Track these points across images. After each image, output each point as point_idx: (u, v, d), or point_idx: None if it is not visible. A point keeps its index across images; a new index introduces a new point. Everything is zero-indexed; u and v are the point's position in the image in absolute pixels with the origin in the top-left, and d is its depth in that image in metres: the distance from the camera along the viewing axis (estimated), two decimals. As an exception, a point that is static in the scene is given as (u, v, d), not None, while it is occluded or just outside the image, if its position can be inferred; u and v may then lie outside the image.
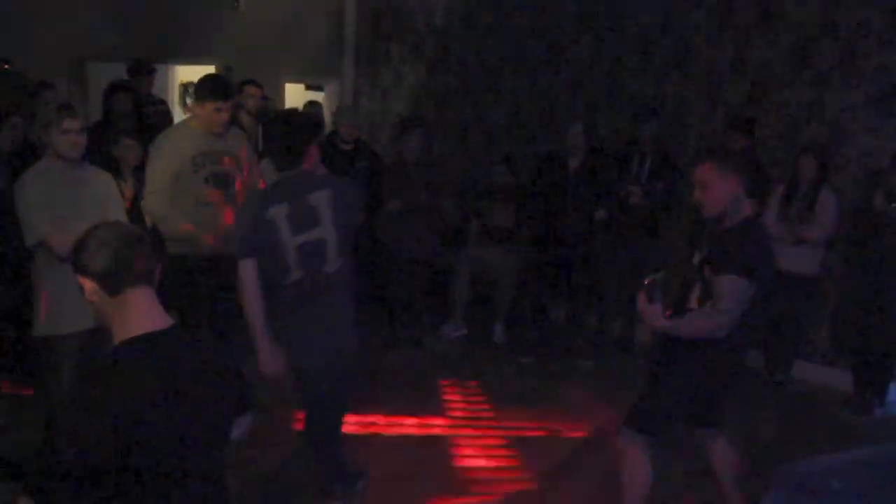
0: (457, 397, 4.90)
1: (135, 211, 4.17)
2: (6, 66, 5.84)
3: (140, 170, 4.20)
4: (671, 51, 5.78)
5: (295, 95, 7.05)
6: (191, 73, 6.66)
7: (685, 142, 5.76)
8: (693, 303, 3.06)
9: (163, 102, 5.88)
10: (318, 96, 7.10)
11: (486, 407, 4.76)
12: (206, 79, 3.92)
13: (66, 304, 3.22)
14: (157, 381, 1.70)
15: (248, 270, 2.88)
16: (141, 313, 1.77)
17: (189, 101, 6.10)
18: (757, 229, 3.07)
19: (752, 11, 5.41)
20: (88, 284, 1.76)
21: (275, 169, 3.05)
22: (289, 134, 2.96)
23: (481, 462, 4.12)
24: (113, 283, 1.75)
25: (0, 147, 4.03)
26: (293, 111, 3.53)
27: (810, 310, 5.19)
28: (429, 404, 4.72)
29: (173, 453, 1.71)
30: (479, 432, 4.42)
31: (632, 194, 5.48)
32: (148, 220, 4.12)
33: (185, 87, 7.16)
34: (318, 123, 3.07)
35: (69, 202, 3.26)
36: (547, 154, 5.68)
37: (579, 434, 4.42)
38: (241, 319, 3.01)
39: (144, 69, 5.59)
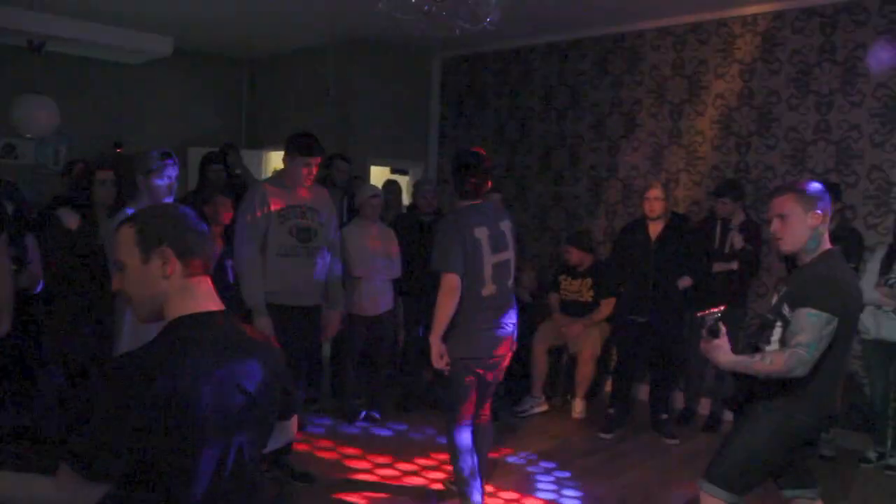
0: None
1: (219, 268, 4.30)
2: (118, 150, 6.41)
3: (230, 228, 4.36)
4: (752, 118, 5.70)
5: (380, 177, 7.29)
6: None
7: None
8: (773, 347, 2.82)
9: (254, 181, 6.20)
10: (402, 180, 7.31)
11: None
12: (298, 136, 4.01)
13: None
14: (213, 357, 1.60)
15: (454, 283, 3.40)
16: (206, 295, 1.70)
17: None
18: (837, 260, 2.82)
19: (831, 74, 5.31)
20: (168, 259, 1.65)
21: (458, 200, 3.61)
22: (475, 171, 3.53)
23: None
24: (194, 262, 1.69)
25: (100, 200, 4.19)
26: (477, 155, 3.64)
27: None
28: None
29: (215, 443, 1.59)
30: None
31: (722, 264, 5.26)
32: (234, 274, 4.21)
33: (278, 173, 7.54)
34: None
35: None
36: (628, 224, 5.55)
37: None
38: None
39: (233, 147, 6.00)
